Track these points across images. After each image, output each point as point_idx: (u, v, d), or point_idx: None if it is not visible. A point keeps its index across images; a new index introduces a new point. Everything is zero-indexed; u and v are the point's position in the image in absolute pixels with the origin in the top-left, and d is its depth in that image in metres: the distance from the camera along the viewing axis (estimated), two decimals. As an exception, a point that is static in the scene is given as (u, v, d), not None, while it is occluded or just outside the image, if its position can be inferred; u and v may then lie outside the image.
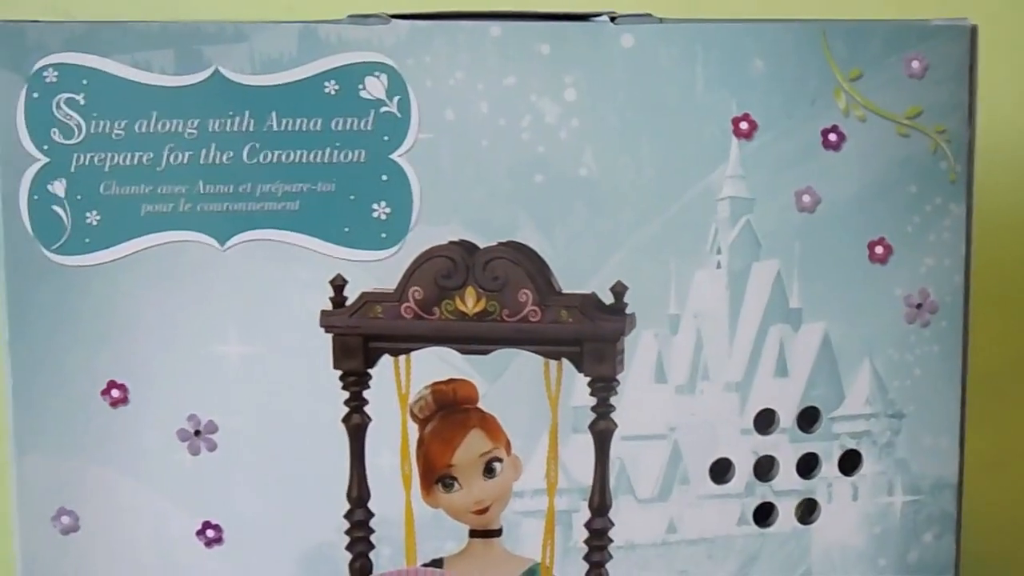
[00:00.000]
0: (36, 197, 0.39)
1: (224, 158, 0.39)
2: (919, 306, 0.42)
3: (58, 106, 0.39)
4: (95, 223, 0.39)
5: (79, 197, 0.39)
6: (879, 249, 0.42)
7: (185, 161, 0.39)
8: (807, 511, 0.43)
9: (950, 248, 0.42)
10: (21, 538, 0.41)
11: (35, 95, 0.39)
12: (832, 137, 0.41)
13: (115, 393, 0.40)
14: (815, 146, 0.41)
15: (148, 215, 0.39)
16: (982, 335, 0.45)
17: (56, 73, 0.39)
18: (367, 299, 0.40)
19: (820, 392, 0.42)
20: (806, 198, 0.41)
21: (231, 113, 0.39)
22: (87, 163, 0.39)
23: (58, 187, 0.39)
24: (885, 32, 0.41)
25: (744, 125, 0.41)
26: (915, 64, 0.41)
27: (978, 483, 0.46)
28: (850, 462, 0.43)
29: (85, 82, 0.39)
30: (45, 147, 0.39)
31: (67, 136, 0.39)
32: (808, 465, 0.43)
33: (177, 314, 0.40)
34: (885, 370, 0.42)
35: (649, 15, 0.41)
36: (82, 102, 0.39)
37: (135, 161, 0.39)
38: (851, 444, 0.43)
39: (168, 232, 0.40)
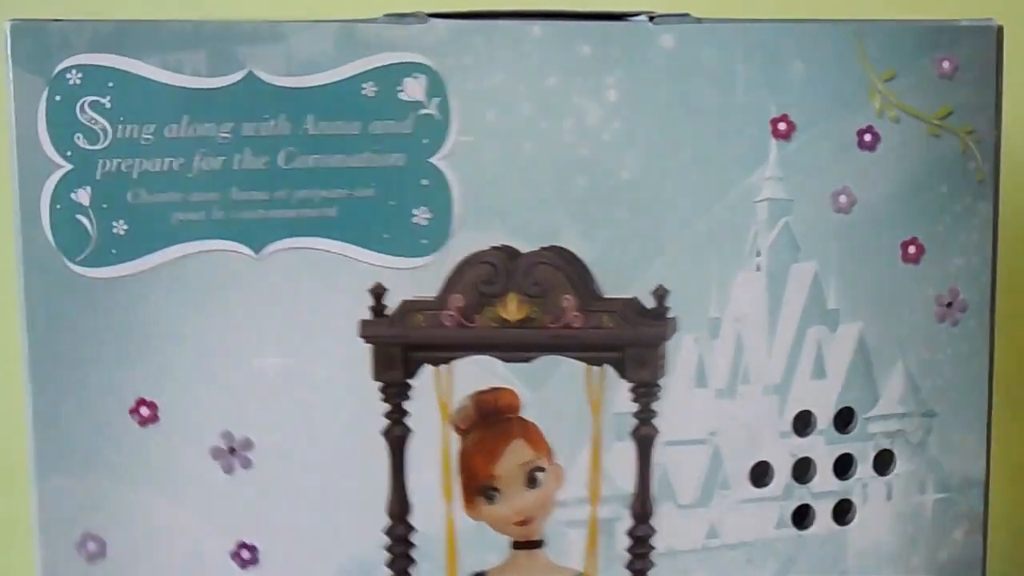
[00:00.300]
0: (59, 206, 0.37)
1: (259, 163, 0.38)
2: (949, 305, 0.43)
3: (82, 109, 0.37)
4: (122, 233, 0.37)
5: (105, 206, 0.37)
6: (912, 249, 0.42)
7: (218, 167, 0.38)
8: (843, 512, 0.43)
9: (978, 247, 0.43)
10: (43, 566, 0.38)
11: (57, 98, 0.37)
12: (867, 138, 0.41)
13: (144, 411, 0.38)
14: (851, 147, 0.41)
15: (179, 224, 0.38)
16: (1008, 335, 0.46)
17: (80, 75, 0.37)
18: (408, 307, 0.39)
19: (856, 393, 0.42)
20: (842, 199, 0.41)
21: (266, 116, 0.38)
22: (114, 170, 0.37)
23: (82, 195, 0.37)
24: (917, 33, 0.41)
25: (783, 126, 0.41)
26: (946, 65, 0.42)
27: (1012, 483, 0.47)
28: (884, 462, 0.43)
29: (111, 84, 0.37)
30: (68, 153, 0.37)
31: (92, 141, 0.37)
32: (844, 466, 0.43)
33: (210, 327, 0.38)
34: (918, 369, 0.43)
35: (687, 15, 0.40)
36: (108, 105, 0.37)
37: (165, 167, 0.37)
38: (885, 444, 0.43)
39: (200, 242, 0.38)
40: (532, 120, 0.39)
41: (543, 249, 0.40)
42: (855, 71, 0.41)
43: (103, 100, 0.37)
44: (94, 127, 0.37)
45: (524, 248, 0.40)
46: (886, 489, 0.43)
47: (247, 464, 0.39)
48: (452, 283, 0.39)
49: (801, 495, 0.43)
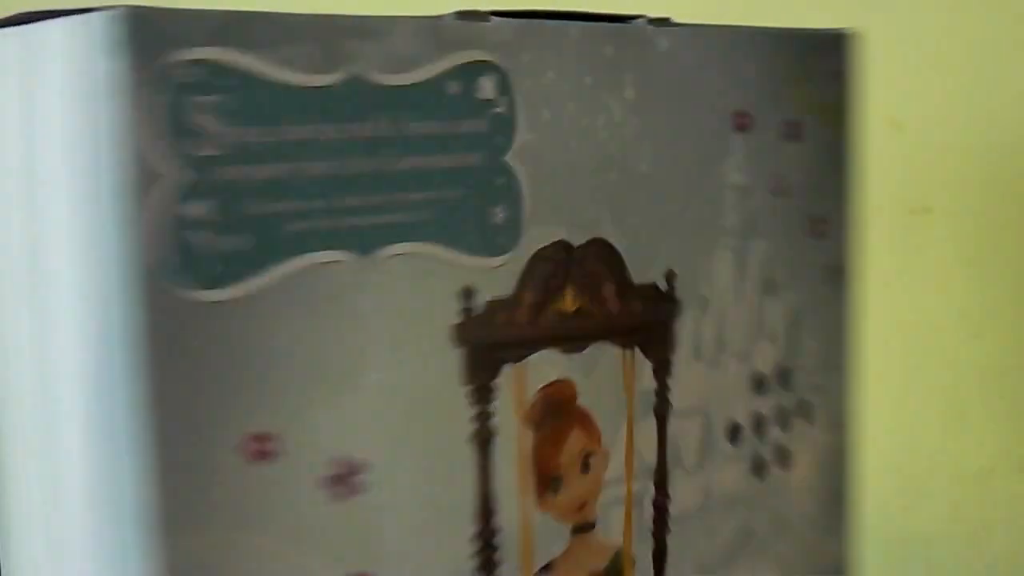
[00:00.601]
0: (164, 222, 0.32)
1: (365, 166, 0.36)
2: (838, 270, 0.50)
3: (193, 110, 0.32)
4: (237, 249, 0.33)
5: (216, 219, 0.33)
6: (818, 225, 0.49)
7: (329, 171, 0.35)
8: (785, 459, 0.49)
9: (850, 222, 0.51)
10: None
11: (164, 97, 0.32)
12: (792, 130, 0.48)
13: (261, 445, 0.34)
14: (782, 138, 0.47)
15: (293, 235, 0.34)
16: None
17: (192, 71, 0.32)
18: (492, 308, 0.39)
19: (790, 352, 0.49)
20: (778, 183, 0.47)
21: (371, 116, 0.35)
22: (226, 179, 0.33)
23: (192, 209, 0.33)
24: (817, 37, 0.48)
25: (742, 120, 0.46)
26: (831, 66, 0.49)
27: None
28: (808, 411, 0.50)
29: (226, 82, 0.33)
30: (176, 161, 0.32)
31: (202, 147, 0.33)
32: (784, 418, 0.49)
33: (321, 345, 0.35)
34: (825, 326, 0.50)
35: (668, 19, 0.44)
36: (222, 105, 0.33)
37: (279, 174, 0.34)
38: (808, 395, 0.50)
39: (312, 254, 0.35)
40: (575, 118, 0.41)
41: (588, 242, 0.41)
42: (785, 72, 0.47)
43: (217, 99, 0.33)
44: (206, 130, 0.33)
45: (575, 242, 0.41)
46: (810, 434, 0.50)
47: (359, 489, 0.36)
48: (524, 281, 0.39)
49: (760, 448, 0.48)
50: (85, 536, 0.34)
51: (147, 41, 0.32)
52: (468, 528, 0.39)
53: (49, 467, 0.36)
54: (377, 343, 0.36)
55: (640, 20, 0.43)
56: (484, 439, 0.39)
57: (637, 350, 0.43)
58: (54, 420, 0.35)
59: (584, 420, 0.42)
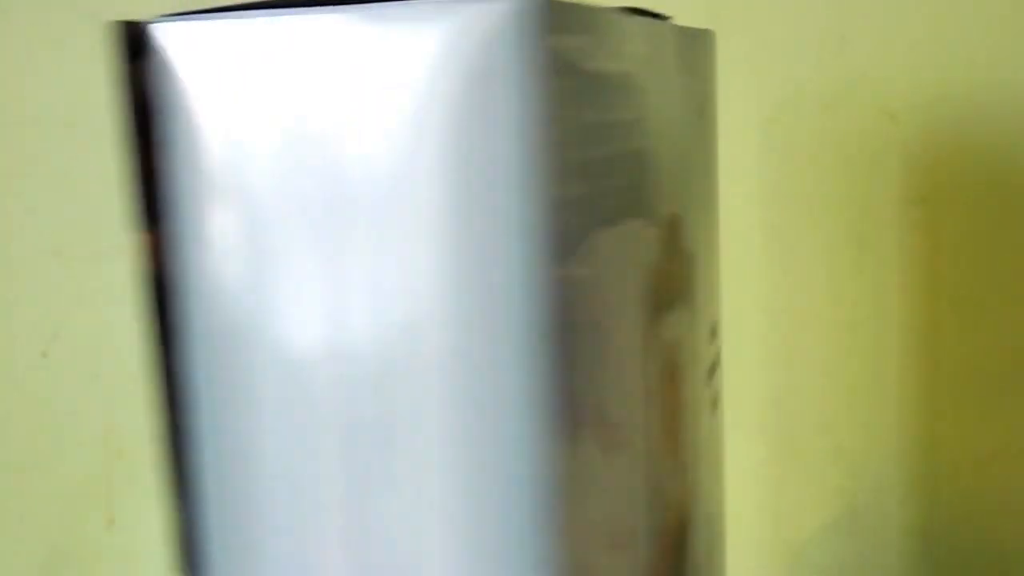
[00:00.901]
0: (537, 204, 0.33)
1: (614, 149, 0.38)
2: (716, 235, 0.59)
3: (560, 96, 0.33)
4: (583, 226, 0.35)
5: (574, 198, 0.34)
6: (711, 196, 0.58)
7: (622, 152, 0.37)
8: (718, 399, 0.57)
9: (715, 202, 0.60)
10: None
11: (546, 84, 0.33)
12: (706, 112, 0.55)
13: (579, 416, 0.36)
14: (703, 120, 0.55)
15: (594, 212, 0.36)
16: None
17: (559, 58, 0.33)
18: (653, 274, 0.42)
19: (717, 308, 0.56)
20: (703, 160, 0.55)
21: (607, 103, 0.38)
22: (572, 160, 0.34)
23: (561, 189, 0.34)
24: (706, 32, 0.57)
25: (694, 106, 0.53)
26: (712, 57, 0.58)
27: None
28: (719, 359, 0.58)
29: (572, 68, 0.34)
30: (548, 145, 0.33)
31: (563, 131, 0.34)
32: (715, 364, 0.57)
33: (603, 314, 0.37)
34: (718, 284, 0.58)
35: (671, 18, 0.50)
36: (576, 91, 0.34)
37: (588, 156, 0.36)
38: (718, 343, 0.58)
39: (598, 228, 0.37)
40: (654, 107, 0.45)
41: (671, 215, 0.46)
42: (701, 62, 0.55)
43: (571, 84, 0.34)
44: (567, 114, 0.34)
45: (668, 214, 0.46)
46: (717, 374, 0.58)
47: (617, 449, 0.39)
48: (661, 249, 0.44)
49: (713, 388, 0.55)
50: (454, 533, 0.34)
51: (535, 30, 0.32)
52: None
53: (367, 461, 0.34)
54: (619, 309, 0.39)
55: (658, 16, 0.49)
56: (653, 393, 0.43)
57: (686, 307, 0.49)
58: (385, 419, 0.34)
59: (677, 371, 0.47)
